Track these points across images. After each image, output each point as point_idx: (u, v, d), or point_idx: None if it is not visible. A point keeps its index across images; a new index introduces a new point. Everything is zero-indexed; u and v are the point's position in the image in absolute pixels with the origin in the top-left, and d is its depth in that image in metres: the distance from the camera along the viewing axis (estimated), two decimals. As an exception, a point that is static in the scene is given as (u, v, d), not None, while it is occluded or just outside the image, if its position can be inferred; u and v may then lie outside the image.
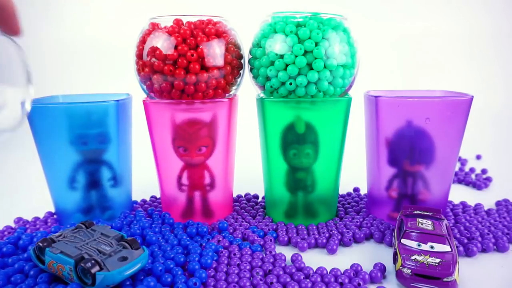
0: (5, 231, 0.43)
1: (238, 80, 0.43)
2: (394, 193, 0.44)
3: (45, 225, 0.45)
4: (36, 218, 0.47)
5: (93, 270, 0.29)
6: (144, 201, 0.52)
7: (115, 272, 0.29)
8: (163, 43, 0.38)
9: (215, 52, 0.38)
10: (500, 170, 0.65)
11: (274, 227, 0.43)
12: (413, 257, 0.33)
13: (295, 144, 0.42)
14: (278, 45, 0.38)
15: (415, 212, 0.40)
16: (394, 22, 0.97)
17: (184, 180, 0.44)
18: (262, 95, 0.42)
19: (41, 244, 0.32)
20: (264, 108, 0.42)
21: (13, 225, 0.46)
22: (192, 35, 0.38)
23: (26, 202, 0.53)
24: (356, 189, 0.56)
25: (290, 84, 0.38)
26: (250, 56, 0.42)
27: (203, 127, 0.42)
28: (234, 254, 0.37)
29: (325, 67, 0.37)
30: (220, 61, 0.39)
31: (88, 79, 0.98)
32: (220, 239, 0.40)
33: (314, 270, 0.35)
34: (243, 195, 0.54)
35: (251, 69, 0.42)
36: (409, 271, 0.32)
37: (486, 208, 0.49)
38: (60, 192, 0.43)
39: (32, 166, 0.53)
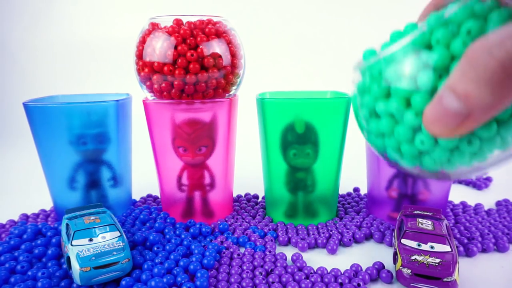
0: (4, 231, 0.43)
1: (238, 80, 0.43)
2: (394, 193, 0.44)
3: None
4: (34, 219, 0.47)
5: None
6: (144, 200, 0.52)
7: None
8: (163, 43, 0.38)
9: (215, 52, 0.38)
10: (500, 170, 0.65)
11: (274, 227, 0.43)
12: (413, 257, 0.33)
13: (295, 144, 0.42)
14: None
15: (415, 212, 0.40)
16: (394, 22, 0.97)
17: (184, 180, 0.44)
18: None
19: None
20: (264, 108, 0.42)
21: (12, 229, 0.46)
22: (192, 35, 0.38)
23: (25, 202, 0.53)
24: (356, 189, 0.56)
25: None
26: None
27: (203, 127, 0.42)
28: (238, 255, 0.37)
29: None
30: (220, 61, 0.39)
31: (88, 79, 0.98)
32: (223, 240, 0.40)
33: (315, 270, 0.35)
34: (243, 195, 0.54)
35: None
36: (409, 271, 0.32)
37: (486, 208, 0.49)
38: (60, 192, 0.43)
39: (32, 166, 0.53)
